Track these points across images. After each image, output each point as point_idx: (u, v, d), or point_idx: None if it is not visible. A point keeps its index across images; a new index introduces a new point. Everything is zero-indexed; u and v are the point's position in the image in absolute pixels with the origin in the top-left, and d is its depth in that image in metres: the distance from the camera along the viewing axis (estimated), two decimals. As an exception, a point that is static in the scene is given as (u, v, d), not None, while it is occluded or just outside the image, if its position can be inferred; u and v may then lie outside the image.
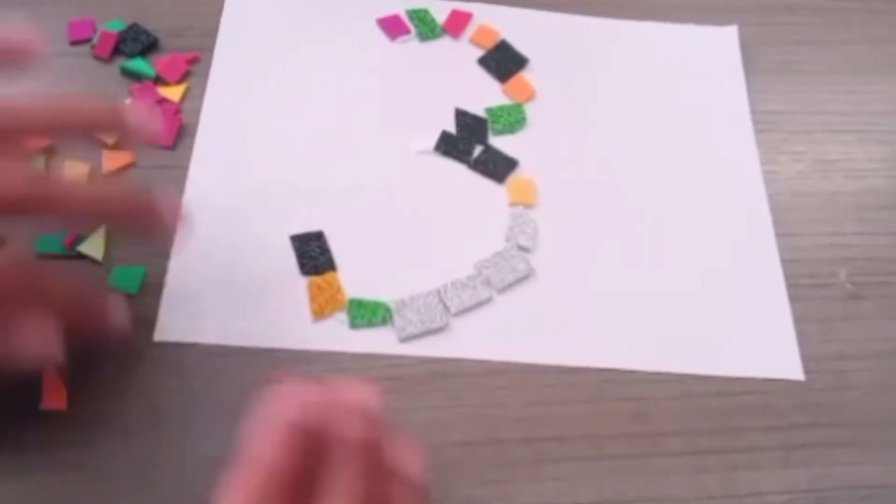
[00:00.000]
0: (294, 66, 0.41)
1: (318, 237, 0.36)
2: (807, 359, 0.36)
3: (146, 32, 0.40)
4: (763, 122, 0.42)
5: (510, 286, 0.36)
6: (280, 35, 0.42)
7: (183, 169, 0.37)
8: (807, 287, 0.37)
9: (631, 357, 0.35)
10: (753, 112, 0.43)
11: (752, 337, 0.36)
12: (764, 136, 0.42)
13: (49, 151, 0.36)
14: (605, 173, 0.40)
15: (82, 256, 0.34)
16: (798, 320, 0.36)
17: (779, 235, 0.39)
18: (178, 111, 0.38)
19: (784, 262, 0.38)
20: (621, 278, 0.37)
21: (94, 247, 0.34)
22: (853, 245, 0.39)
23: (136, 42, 0.40)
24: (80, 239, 0.35)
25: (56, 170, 0.36)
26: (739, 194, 0.40)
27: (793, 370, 0.35)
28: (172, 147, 0.38)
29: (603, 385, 0.34)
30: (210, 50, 0.40)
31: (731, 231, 0.38)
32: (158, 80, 0.39)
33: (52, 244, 0.34)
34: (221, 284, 0.34)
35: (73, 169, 0.36)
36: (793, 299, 0.37)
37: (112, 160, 0.37)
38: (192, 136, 0.38)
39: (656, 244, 0.38)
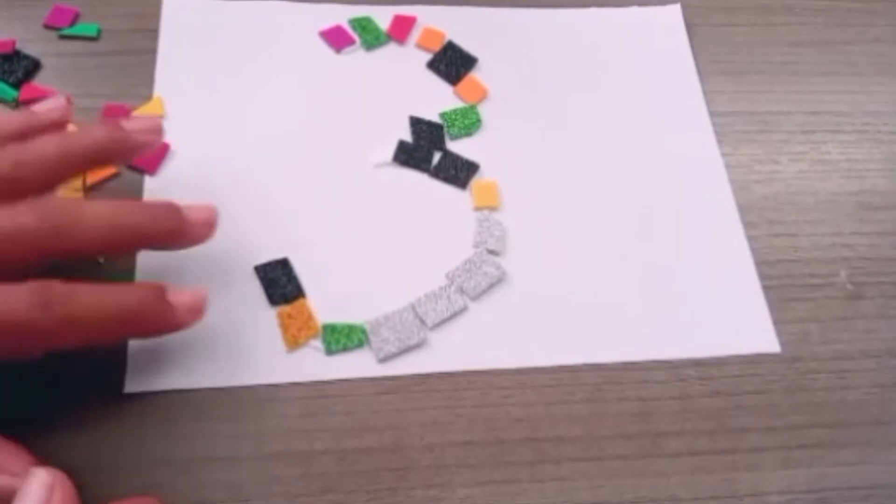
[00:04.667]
0: (238, 89, 0.39)
1: (284, 264, 0.35)
2: (807, 359, 0.36)
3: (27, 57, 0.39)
4: (763, 123, 0.42)
5: (484, 292, 0.35)
6: (220, 59, 0.40)
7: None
8: (807, 287, 0.37)
9: (609, 350, 0.35)
10: (753, 113, 0.43)
11: (726, 316, 0.36)
12: (764, 136, 0.42)
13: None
14: (565, 168, 0.39)
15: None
16: (798, 320, 0.36)
17: (778, 235, 0.39)
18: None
19: (784, 262, 0.38)
20: (592, 272, 0.37)
21: None
22: (853, 245, 0.39)
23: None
24: None
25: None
26: (700, 172, 0.40)
27: (768, 343, 0.36)
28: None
29: (603, 385, 0.34)
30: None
31: (695, 211, 0.39)
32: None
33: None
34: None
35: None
36: (793, 299, 0.37)
37: (95, 172, 0.36)
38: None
39: (622, 234, 0.38)
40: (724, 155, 0.41)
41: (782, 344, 0.36)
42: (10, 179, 0.29)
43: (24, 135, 0.31)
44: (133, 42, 0.40)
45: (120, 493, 0.29)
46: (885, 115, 0.43)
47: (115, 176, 0.37)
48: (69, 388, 0.31)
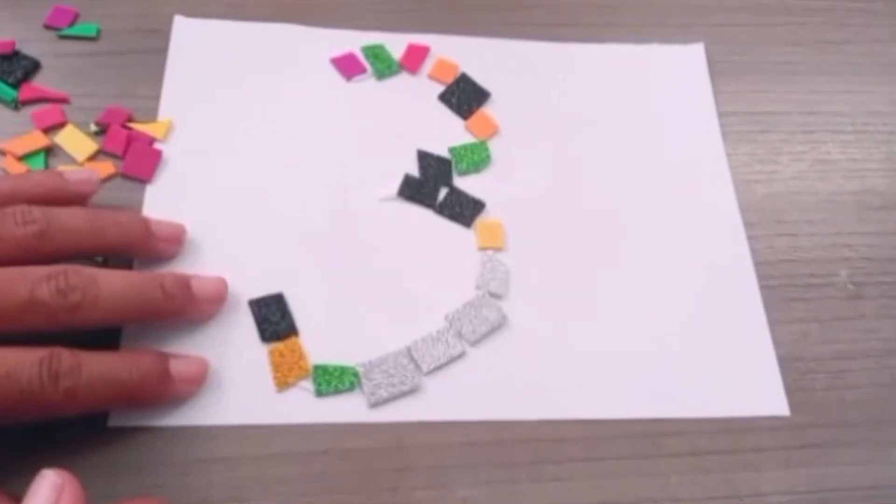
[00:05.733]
0: (244, 114, 0.39)
1: (279, 300, 0.34)
2: (807, 359, 0.36)
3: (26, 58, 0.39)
4: (763, 123, 0.42)
5: (483, 337, 0.34)
6: (228, 81, 0.39)
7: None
8: (807, 287, 0.37)
9: (611, 406, 0.33)
10: (753, 113, 0.43)
11: (736, 376, 0.35)
12: (764, 136, 0.42)
13: (48, 150, 0.37)
14: (574, 210, 0.38)
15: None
16: (798, 320, 0.36)
17: (779, 235, 0.39)
18: (152, 142, 0.37)
19: (784, 262, 0.38)
20: (598, 322, 0.35)
21: None
22: (853, 245, 0.39)
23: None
24: None
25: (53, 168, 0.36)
26: (716, 225, 0.39)
27: (778, 406, 0.34)
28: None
29: (603, 385, 0.34)
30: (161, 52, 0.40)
31: (711, 272, 0.37)
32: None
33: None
34: None
35: (77, 146, 0.36)
36: (793, 299, 0.37)
37: (77, 147, 0.36)
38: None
39: (631, 285, 0.36)
40: (732, 183, 0.40)
41: (783, 343, 0.36)
42: (34, 249, 0.29)
43: (51, 200, 0.32)
44: (133, 42, 0.40)
45: (121, 493, 0.30)
46: (885, 115, 0.43)
47: (113, 176, 0.37)
48: (55, 423, 0.30)
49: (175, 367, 0.31)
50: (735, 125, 0.42)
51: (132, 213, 0.35)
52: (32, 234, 0.29)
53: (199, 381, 0.32)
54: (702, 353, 0.35)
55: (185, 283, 0.32)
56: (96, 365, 0.28)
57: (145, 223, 0.33)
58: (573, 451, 0.32)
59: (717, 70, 0.44)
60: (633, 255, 0.37)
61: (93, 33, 0.40)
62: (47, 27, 0.40)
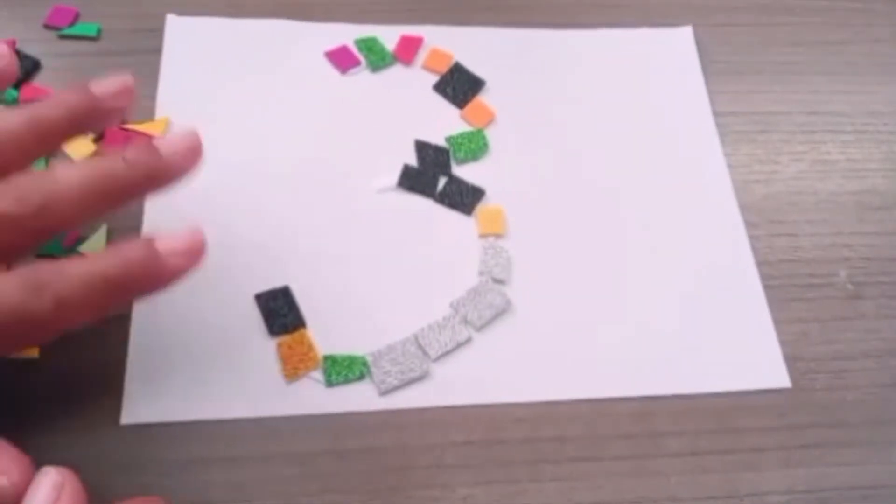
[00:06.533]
0: (240, 111, 0.39)
1: (285, 293, 0.34)
2: (807, 359, 0.36)
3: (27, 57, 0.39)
4: (763, 123, 0.42)
5: (489, 323, 0.35)
6: (223, 79, 0.40)
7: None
8: (807, 287, 0.37)
9: (619, 385, 0.34)
10: (753, 113, 0.43)
11: (737, 351, 0.35)
12: (764, 137, 0.42)
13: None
14: (572, 193, 0.39)
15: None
16: (798, 320, 0.36)
17: (778, 235, 0.39)
18: None
19: (784, 262, 0.38)
20: (600, 302, 0.36)
21: (94, 247, 0.34)
22: (853, 245, 0.39)
23: None
24: (80, 239, 0.34)
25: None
26: (710, 202, 0.39)
27: (779, 378, 0.35)
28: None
29: (603, 385, 0.34)
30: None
31: (707, 244, 0.38)
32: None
33: (51, 246, 0.34)
34: (188, 356, 0.32)
35: (76, 148, 0.36)
36: (793, 299, 0.37)
37: (76, 149, 0.36)
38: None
39: (632, 263, 0.37)
40: (724, 155, 0.41)
41: (784, 343, 0.36)
42: (35, 214, 0.27)
43: (84, 126, 0.30)
44: (133, 42, 0.40)
45: (122, 492, 0.29)
46: (885, 115, 0.43)
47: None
48: (65, 421, 0.30)
49: (164, 243, 0.28)
50: (735, 125, 0.42)
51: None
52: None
53: (194, 252, 0.29)
54: (702, 331, 0.35)
55: (149, 147, 0.29)
56: (77, 265, 0.27)
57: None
58: (573, 451, 0.32)
59: (717, 70, 0.44)
60: (632, 233, 0.38)
61: (93, 33, 0.40)
62: (47, 27, 0.40)
